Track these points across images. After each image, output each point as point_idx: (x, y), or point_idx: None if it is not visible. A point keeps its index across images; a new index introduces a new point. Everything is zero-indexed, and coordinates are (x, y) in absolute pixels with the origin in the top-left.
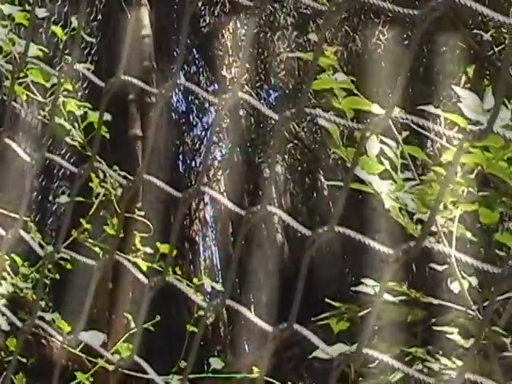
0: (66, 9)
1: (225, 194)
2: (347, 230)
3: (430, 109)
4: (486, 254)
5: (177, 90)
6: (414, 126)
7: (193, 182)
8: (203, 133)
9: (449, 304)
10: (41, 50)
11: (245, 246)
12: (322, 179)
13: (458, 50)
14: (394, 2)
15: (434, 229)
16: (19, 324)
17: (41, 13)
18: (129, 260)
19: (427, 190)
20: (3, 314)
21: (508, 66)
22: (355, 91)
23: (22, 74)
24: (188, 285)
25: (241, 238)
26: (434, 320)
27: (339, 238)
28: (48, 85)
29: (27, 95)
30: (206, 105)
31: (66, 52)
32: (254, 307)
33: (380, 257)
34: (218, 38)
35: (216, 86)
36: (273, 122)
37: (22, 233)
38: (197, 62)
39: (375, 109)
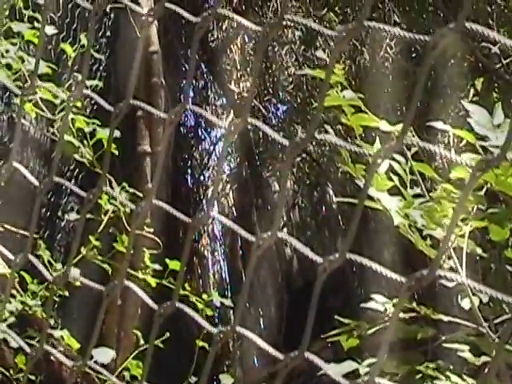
0: (74, 26)
1: (233, 208)
2: (359, 257)
3: (439, 125)
4: (497, 270)
5: None
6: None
7: (201, 197)
8: (212, 147)
9: (459, 321)
10: (50, 67)
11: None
12: (331, 193)
13: (466, 63)
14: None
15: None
16: (27, 349)
17: (50, 30)
18: (138, 277)
19: (436, 206)
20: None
21: None
22: (363, 108)
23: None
24: (197, 300)
25: (251, 267)
26: (444, 337)
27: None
28: (57, 101)
29: (36, 112)
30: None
31: (75, 69)
32: (263, 321)
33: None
34: (226, 53)
35: (224, 100)
36: (281, 134)
37: (31, 257)
38: (205, 76)
39: (383, 125)
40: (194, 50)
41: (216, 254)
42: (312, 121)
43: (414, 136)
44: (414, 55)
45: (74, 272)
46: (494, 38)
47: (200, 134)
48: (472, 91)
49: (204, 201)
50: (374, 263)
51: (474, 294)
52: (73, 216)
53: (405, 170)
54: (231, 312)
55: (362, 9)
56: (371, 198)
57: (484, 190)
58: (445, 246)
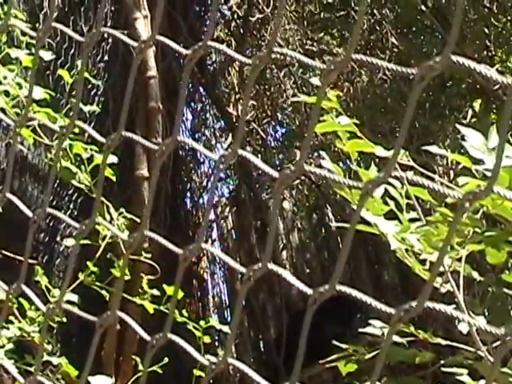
0: (72, 51)
1: (233, 231)
2: (348, 289)
3: (434, 149)
4: (494, 293)
5: (183, 127)
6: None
7: (201, 219)
8: (211, 170)
9: (458, 345)
10: (47, 93)
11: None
12: (330, 215)
13: (463, 85)
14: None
15: (441, 269)
16: (21, 379)
17: (47, 56)
18: (135, 303)
19: (433, 230)
20: (10, 359)
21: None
22: (359, 134)
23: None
24: (195, 327)
25: (241, 299)
26: (442, 361)
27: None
28: (55, 127)
29: (34, 138)
30: (213, 141)
31: (73, 94)
32: (263, 343)
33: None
34: (224, 76)
35: (223, 123)
36: (280, 157)
37: (24, 287)
38: (203, 99)
39: (378, 151)
40: (184, 82)
41: (215, 276)
42: (302, 152)
43: (409, 161)
44: (412, 77)
45: (72, 297)
46: (479, 71)
47: (199, 156)
48: (470, 112)
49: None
50: (364, 295)
51: (471, 318)
52: (70, 242)
53: (401, 194)
54: None
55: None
56: (368, 223)
57: (480, 213)
58: (432, 281)
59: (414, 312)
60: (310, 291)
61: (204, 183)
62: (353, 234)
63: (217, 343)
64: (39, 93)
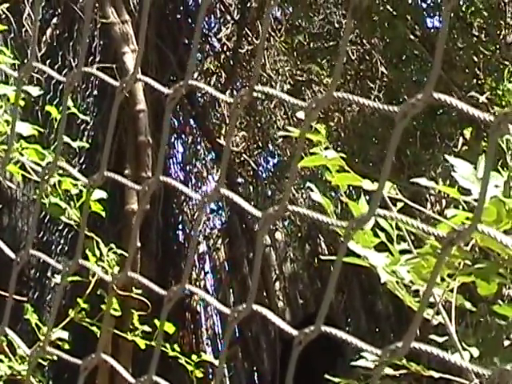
0: (61, 86)
1: (225, 262)
2: (334, 329)
3: (423, 181)
4: (487, 323)
5: (175, 160)
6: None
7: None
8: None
9: (450, 377)
10: (36, 129)
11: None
12: (323, 245)
13: (454, 113)
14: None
15: (432, 300)
16: None
17: (35, 91)
18: (126, 339)
19: (423, 263)
20: None
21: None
22: (346, 168)
23: (16, 154)
24: (187, 362)
25: (227, 337)
26: None
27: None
28: (43, 163)
29: (23, 175)
30: (205, 173)
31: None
32: (257, 374)
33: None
34: (215, 108)
35: (214, 154)
36: (272, 187)
37: (8, 331)
38: (194, 131)
39: (366, 185)
40: (166, 121)
41: (208, 308)
42: (284, 193)
43: (397, 194)
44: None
45: (63, 335)
46: (460, 108)
47: (190, 188)
48: (461, 140)
49: (195, 256)
50: (349, 336)
51: (464, 349)
52: (59, 279)
53: (391, 225)
54: (225, 369)
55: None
56: (358, 256)
57: (470, 245)
58: (419, 318)
59: (400, 352)
60: (295, 332)
61: (196, 215)
62: (337, 274)
63: (211, 376)
64: (27, 129)
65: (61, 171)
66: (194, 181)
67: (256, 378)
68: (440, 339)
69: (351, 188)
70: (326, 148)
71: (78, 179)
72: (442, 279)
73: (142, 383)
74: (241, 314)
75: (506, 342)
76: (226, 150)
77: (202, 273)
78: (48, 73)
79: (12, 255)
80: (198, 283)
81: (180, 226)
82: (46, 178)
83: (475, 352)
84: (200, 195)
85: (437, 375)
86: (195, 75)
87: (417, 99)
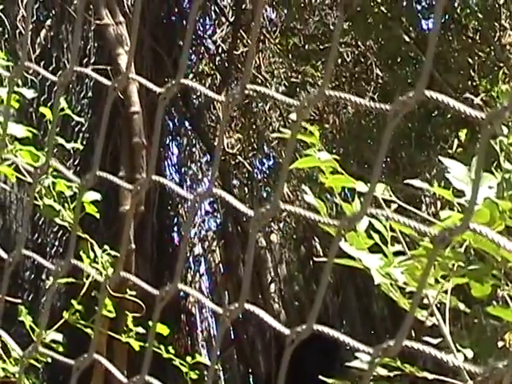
0: (55, 88)
1: (220, 264)
2: (326, 328)
3: (417, 183)
4: (481, 324)
5: (170, 162)
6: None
7: (188, 254)
8: (198, 204)
9: (444, 378)
10: (30, 131)
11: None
12: (318, 247)
13: (449, 114)
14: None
15: (426, 301)
16: None
17: (29, 93)
18: (121, 340)
19: (417, 264)
20: None
21: (485, 144)
22: (339, 169)
23: (11, 156)
24: (181, 363)
25: (219, 339)
26: None
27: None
28: (38, 165)
29: (17, 177)
30: (200, 175)
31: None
32: (252, 377)
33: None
34: (210, 109)
35: (209, 156)
36: (267, 189)
37: (2, 332)
38: (189, 133)
39: (359, 186)
40: (158, 122)
41: (204, 310)
42: (276, 192)
43: (391, 195)
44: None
45: (57, 337)
46: (453, 106)
47: (185, 190)
48: (456, 142)
49: (191, 258)
50: (342, 335)
51: (458, 351)
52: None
53: (385, 227)
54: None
55: (341, 62)
56: (352, 258)
57: (464, 246)
58: (411, 316)
59: (392, 351)
60: (287, 331)
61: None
62: (328, 276)
63: (206, 378)
64: (21, 131)
65: (55, 173)
66: (189, 183)
67: (251, 380)
68: (434, 341)
69: (346, 190)
70: (320, 150)
71: (73, 181)
72: (436, 281)
73: (134, 383)
74: (233, 312)
75: (500, 344)
76: (218, 147)
77: (198, 275)
78: (41, 74)
79: (4, 255)
80: (193, 285)
81: (175, 229)
82: (39, 176)
83: (469, 353)
84: (193, 195)
85: (431, 377)
86: (190, 77)
87: (409, 97)
